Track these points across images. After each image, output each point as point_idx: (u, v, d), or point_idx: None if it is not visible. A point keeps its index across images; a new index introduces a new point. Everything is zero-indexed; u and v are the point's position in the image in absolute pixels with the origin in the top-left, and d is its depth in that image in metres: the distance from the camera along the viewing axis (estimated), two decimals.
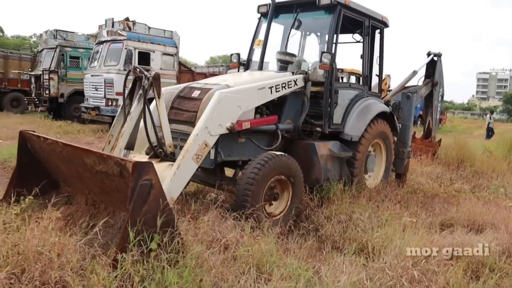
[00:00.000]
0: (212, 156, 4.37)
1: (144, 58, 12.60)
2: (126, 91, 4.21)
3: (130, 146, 4.00)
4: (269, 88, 4.69)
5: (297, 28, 6.09)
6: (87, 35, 15.74)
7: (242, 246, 3.16)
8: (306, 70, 5.46)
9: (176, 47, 13.44)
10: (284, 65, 5.44)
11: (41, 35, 16.16)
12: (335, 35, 5.29)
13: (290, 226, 4.30)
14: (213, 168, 4.46)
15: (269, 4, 5.74)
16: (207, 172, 4.81)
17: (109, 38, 12.41)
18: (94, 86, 12.58)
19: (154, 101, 4.69)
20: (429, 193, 6.89)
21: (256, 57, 6.08)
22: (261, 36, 6.04)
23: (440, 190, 7.07)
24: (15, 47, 28.76)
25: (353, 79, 16.41)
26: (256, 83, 4.64)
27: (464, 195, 6.97)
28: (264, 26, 6.00)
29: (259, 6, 5.99)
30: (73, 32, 15.47)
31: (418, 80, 8.65)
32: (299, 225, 4.38)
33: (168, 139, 4.16)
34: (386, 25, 6.32)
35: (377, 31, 6.23)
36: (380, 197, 5.47)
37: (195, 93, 4.53)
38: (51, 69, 14.21)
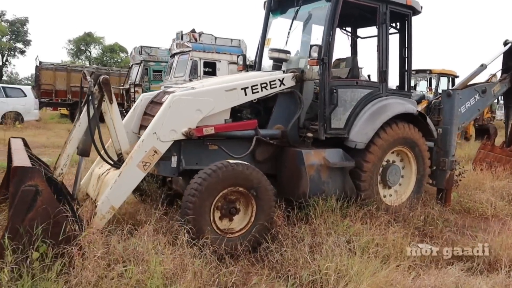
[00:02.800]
0: (174, 164, 4.10)
1: (211, 67, 12.95)
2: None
3: (84, 153, 3.95)
4: (242, 89, 4.23)
5: (304, 21, 5.44)
6: (169, 49, 16.90)
7: (133, 265, 2.80)
8: (303, 68, 4.81)
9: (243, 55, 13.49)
10: (277, 63, 4.88)
11: (131, 52, 17.88)
12: (331, 25, 4.55)
13: (251, 247, 3.75)
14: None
15: None
16: None
17: (178, 51, 13.08)
18: None
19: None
20: (486, 214, 5.49)
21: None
22: (270, 34, 5.57)
23: (504, 211, 5.56)
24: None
25: (444, 81, 14.44)
26: (225, 84, 4.22)
27: None
28: (271, 22, 5.52)
29: (265, 2, 5.53)
30: (157, 48, 16.78)
31: (491, 76, 7.12)
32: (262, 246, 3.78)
33: (124, 146, 4.02)
34: (414, 11, 5.25)
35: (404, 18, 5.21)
36: (393, 217, 4.50)
37: (165, 98, 4.32)
38: (136, 82, 15.60)
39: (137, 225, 3.69)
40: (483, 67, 6.70)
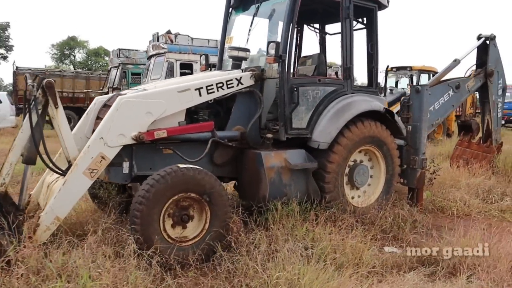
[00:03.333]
0: (125, 170, 3.88)
1: (188, 68, 12.70)
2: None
3: (29, 161, 3.69)
4: (196, 90, 4.03)
5: (268, 18, 5.25)
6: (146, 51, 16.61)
7: None
8: (263, 66, 4.62)
9: None
10: (237, 62, 4.69)
11: (109, 55, 17.53)
12: (290, 21, 4.37)
13: (205, 255, 3.54)
14: None
15: None
16: None
17: (154, 52, 12.81)
18: None
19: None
20: (460, 213, 5.36)
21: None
22: (234, 32, 5.37)
23: (477, 209, 5.44)
24: None
25: (425, 78, 14.41)
26: (177, 84, 4.02)
27: (510, 217, 5.28)
28: (234, 19, 5.32)
29: None
30: (136, 50, 16.48)
31: (467, 70, 7.03)
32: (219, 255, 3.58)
33: (72, 153, 3.78)
34: (380, 5, 5.11)
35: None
36: (360, 219, 4.34)
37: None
38: (114, 86, 15.28)
39: (84, 236, 3.47)
40: (456, 62, 6.60)
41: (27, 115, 3.58)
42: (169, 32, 12.72)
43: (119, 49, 16.10)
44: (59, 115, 3.68)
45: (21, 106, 17.94)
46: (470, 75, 6.86)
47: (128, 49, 16.30)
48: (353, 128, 4.60)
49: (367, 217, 4.51)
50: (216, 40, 13.68)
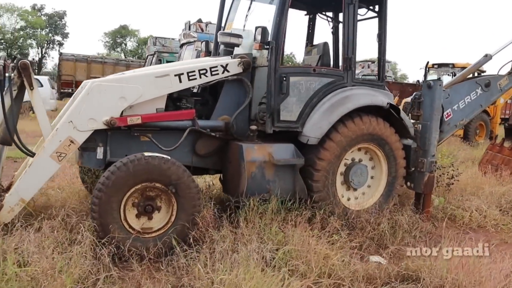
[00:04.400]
0: (99, 156, 3.80)
1: None
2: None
3: (4, 142, 3.73)
4: (176, 75, 3.85)
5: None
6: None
7: None
8: (255, 53, 4.34)
9: None
10: (228, 49, 4.44)
11: (147, 43, 17.88)
12: (283, 5, 4.05)
13: (167, 249, 3.38)
14: None
15: None
16: None
17: (185, 41, 12.86)
18: None
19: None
20: (472, 224, 4.81)
21: None
22: (237, 16, 5.12)
23: (494, 221, 4.85)
24: None
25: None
26: (155, 70, 3.86)
27: None
28: (236, 4, 5.06)
29: None
30: (172, 39, 16.64)
31: (501, 67, 6.29)
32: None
33: (47, 135, 3.75)
34: None
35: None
36: (349, 223, 3.98)
37: None
38: None
39: (48, 219, 3.44)
40: (487, 57, 5.92)
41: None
42: (199, 20, 12.69)
43: (155, 38, 16.37)
44: (34, 96, 3.65)
45: (64, 90, 19.00)
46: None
47: (164, 38, 16.52)
48: (350, 124, 4.21)
49: (359, 222, 4.13)
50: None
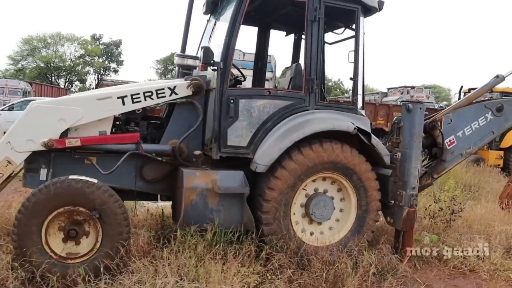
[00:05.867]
0: (42, 177, 3.77)
1: (238, 83, 12.62)
2: None
3: None
4: (118, 98, 3.78)
5: None
6: None
7: None
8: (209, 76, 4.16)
9: (272, 71, 13.02)
10: (186, 71, 4.31)
11: None
12: (234, 24, 3.87)
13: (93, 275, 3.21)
14: None
15: None
16: None
17: None
18: None
19: None
20: (463, 268, 4.16)
21: None
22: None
23: (491, 266, 4.16)
24: None
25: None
26: (99, 92, 3.82)
27: None
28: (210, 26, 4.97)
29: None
30: None
31: None
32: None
33: None
34: (366, 7, 4.28)
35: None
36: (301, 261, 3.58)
37: None
38: None
39: None
40: (499, 78, 5.30)
41: None
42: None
43: None
44: None
45: None
46: None
47: None
48: (307, 151, 3.86)
49: (312, 260, 3.69)
50: (270, 55, 13.41)
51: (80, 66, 40.68)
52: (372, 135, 4.16)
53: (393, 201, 4.34)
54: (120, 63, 45.52)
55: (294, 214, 4.02)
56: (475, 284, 3.86)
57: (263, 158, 3.79)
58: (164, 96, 3.90)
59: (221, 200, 3.75)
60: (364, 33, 4.58)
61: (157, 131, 4.20)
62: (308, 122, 3.92)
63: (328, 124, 3.94)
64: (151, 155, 3.88)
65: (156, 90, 3.88)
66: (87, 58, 41.12)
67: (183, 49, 4.73)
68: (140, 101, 3.84)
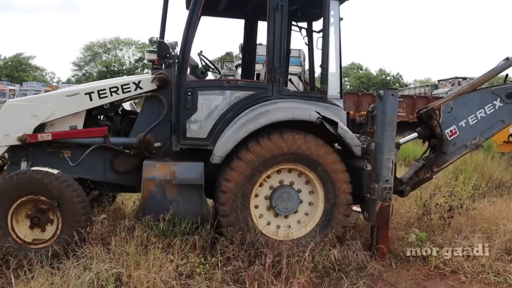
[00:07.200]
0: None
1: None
2: None
3: None
4: (86, 94, 3.99)
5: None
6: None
7: None
8: None
9: (301, 65, 12.82)
10: (156, 66, 4.41)
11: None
12: (191, 16, 3.91)
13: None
14: None
15: None
16: None
17: (237, 63, 13.22)
18: None
19: None
20: (446, 269, 3.82)
21: None
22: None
23: (480, 267, 3.78)
24: None
25: None
26: (69, 89, 4.06)
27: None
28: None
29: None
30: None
31: None
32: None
33: None
34: None
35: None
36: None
37: None
38: None
39: None
40: (509, 61, 4.80)
41: None
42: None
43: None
44: None
45: None
46: None
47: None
48: (265, 142, 3.78)
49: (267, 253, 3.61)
50: (299, 50, 13.22)
51: (139, 69, 43.11)
52: (341, 124, 3.95)
53: (368, 195, 4.10)
54: None
55: (257, 206, 3.96)
56: (448, 287, 3.52)
57: (219, 149, 3.79)
58: (130, 91, 4.04)
59: (180, 191, 3.82)
60: (341, 19, 4.39)
61: (131, 125, 4.35)
62: (267, 113, 3.84)
63: (287, 114, 3.82)
64: (119, 148, 4.06)
65: (122, 85, 4.03)
66: (145, 61, 43.51)
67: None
68: (106, 96, 4.02)
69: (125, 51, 43.90)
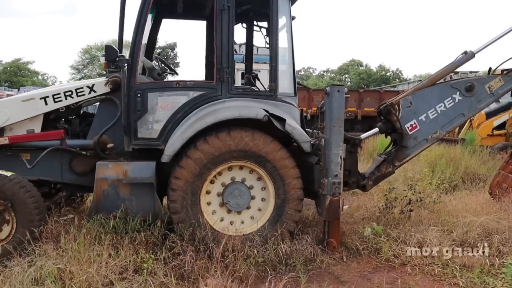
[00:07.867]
0: None
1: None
2: None
3: None
4: (41, 98, 4.12)
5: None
6: None
7: None
8: None
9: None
10: (113, 69, 4.52)
11: None
12: (139, 19, 4.01)
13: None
14: None
15: None
16: None
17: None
18: None
19: None
20: (396, 262, 3.88)
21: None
22: None
23: (430, 259, 3.83)
24: None
25: None
26: (24, 94, 4.19)
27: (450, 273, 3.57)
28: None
29: None
30: None
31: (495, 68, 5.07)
32: None
33: None
34: None
35: None
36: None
37: None
38: None
39: None
40: (467, 55, 4.85)
41: None
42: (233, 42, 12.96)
43: None
44: None
45: None
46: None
47: None
48: (212, 140, 3.87)
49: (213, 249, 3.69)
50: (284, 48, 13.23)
51: None
52: (290, 121, 4.02)
53: (320, 190, 4.16)
54: (176, 65, 47.72)
55: (209, 203, 4.05)
56: (391, 278, 3.57)
57: (168, 148, 3.88)
58: (84, 95, 4.16)
59: (132, 190, 3.92)
60: (293, 18, 4.47)
61: (89, 127, 4.47)
62: (214, 112, 3.92)
63: (234, 112, 3.90)
64: (75, 149, 4.17)
65: (76, 89, 4.15)
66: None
67: (120, 47, 4.97)
68: (61, 100, 4.14)
69: (124, 52, 44.23)
